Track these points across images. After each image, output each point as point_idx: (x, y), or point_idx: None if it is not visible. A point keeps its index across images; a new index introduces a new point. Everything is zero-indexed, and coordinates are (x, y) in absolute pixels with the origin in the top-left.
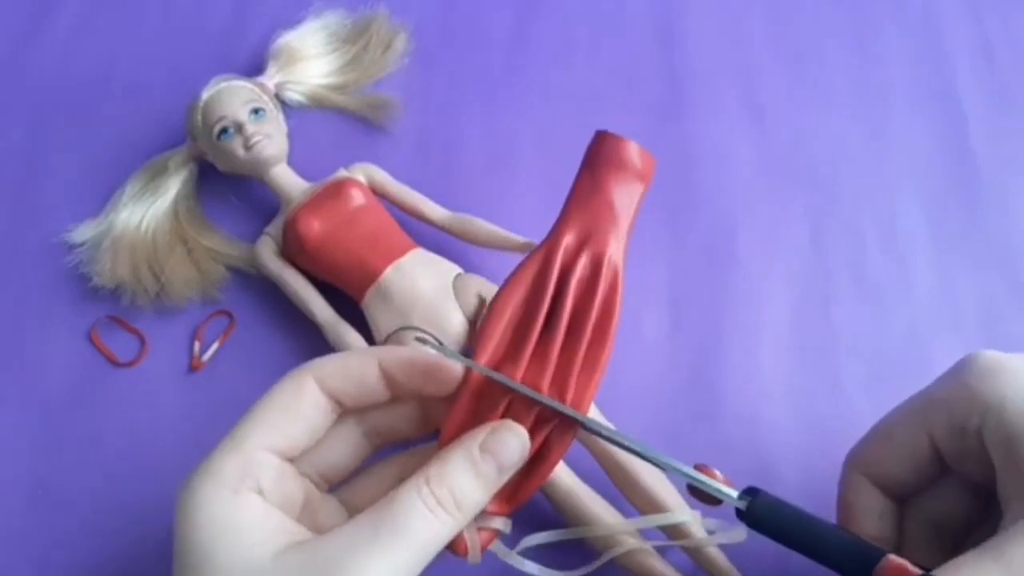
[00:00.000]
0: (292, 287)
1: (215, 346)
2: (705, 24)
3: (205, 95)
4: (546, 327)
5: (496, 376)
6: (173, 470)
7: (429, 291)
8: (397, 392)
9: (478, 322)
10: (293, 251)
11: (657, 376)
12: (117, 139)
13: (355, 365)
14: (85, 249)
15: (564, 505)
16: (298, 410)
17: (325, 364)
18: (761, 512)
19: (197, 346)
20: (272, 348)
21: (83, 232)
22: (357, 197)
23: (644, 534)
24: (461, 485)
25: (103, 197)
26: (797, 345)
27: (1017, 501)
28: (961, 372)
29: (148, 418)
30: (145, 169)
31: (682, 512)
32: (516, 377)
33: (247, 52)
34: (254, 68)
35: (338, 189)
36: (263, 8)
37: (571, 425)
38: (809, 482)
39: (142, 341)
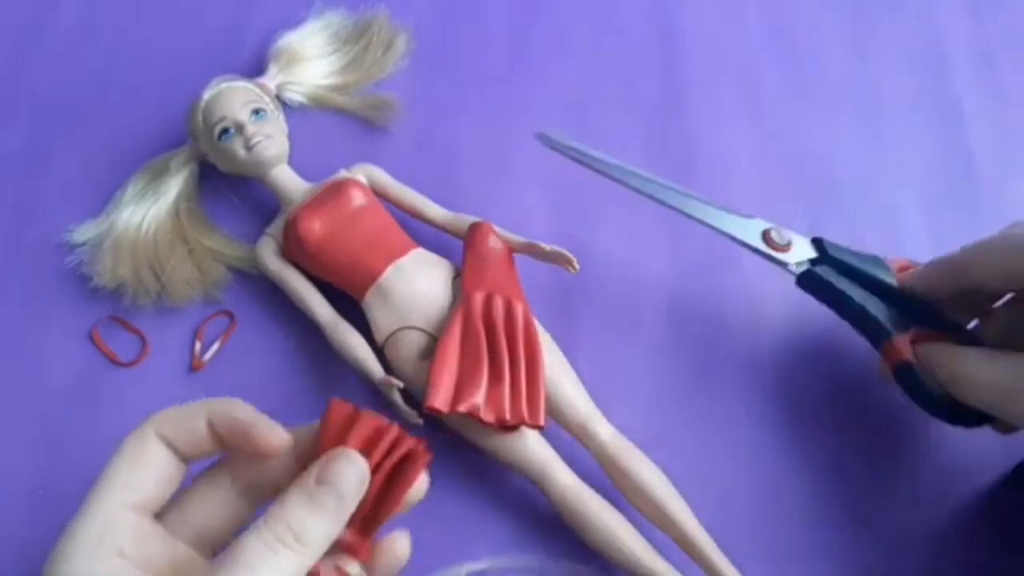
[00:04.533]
0: (293, 287)
1: (216, 346)
2: (704, 24)
3: (206, 96)
4: (490, 360)
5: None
6: None
7: (429, 291)
8: (224, 449)
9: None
10: (294, 251)
11: (657, 376)
12: (117, 139)
13: (186, 416)
14: (86, 249)
15: (563, 504)
16: (144, 462)
17: (163, 415)
18: (816, 276)
19: (198, 346)
20: (273, 348)
21: (84, 232)
22: (358, 197)
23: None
24: (299, 518)
25: (104, 197)
26: (797, 344)
27: None
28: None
29: None
30: (146, 169)
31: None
32: (477, 400)
33: (248, 52)
34: (255, 68)
35: (339, 189)
36: (263, 8)
37: (424, 452)
38: (810, 478)
39: (143, 341)
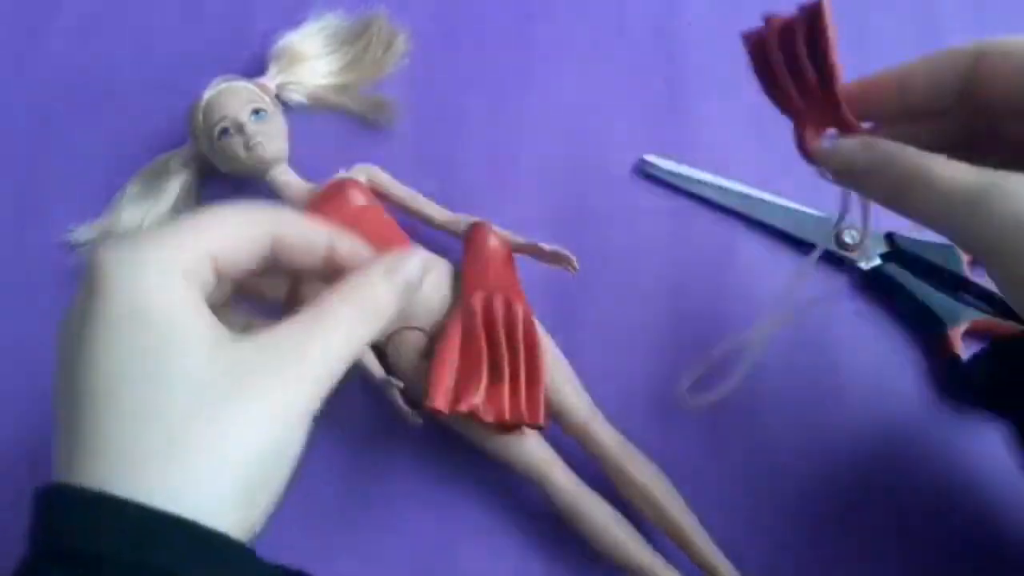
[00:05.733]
0: None
1: None
2: (705, 24)
3: (206, 96)
4: (490, 360)
5: None
6: None
7: (429, 291)
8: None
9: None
10: None
11: (657, 377)
12: (118, 140)
13: (310, 236)
14: (87, 249)
15: (563, 505)
16: (247, 235)
17: (287, 218)
18: (881, 274)
19: None
20: None
21: (84, 232)
22: (358, 198)
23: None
24: (378, 292)
25: (104, 198)
26: (799, 345)
27: None
28: None
29: None
30: (146, 170)
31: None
32: (477, 400)
33: (248, 53)
34: (255, 69)
35: (339, 190)
36: (263, 8)
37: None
38: (810, 480)
39: None
